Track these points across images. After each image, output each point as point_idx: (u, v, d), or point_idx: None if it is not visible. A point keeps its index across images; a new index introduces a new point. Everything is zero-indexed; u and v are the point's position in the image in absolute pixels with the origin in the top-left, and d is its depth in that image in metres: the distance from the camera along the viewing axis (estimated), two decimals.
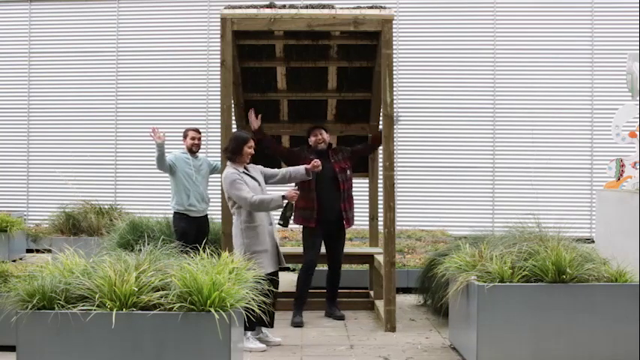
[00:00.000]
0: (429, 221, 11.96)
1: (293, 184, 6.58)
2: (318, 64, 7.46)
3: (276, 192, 5.78)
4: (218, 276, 4.13)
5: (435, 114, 12.68)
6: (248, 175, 5.78)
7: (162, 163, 6.95)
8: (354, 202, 6.85)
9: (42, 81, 13.37)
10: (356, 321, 6.76)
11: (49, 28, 13.40)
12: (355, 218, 6.93)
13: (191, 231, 6.96)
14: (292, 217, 5.96)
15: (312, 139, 6.78)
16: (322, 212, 6.58)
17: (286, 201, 5.65)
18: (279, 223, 5.84)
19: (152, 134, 6.88)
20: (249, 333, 5.63)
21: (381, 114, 7.10)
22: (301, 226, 6.80)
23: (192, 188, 7.05)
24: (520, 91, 12.62)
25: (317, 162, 6.03)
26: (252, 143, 5.84)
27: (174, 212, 7.10)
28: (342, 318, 6.80)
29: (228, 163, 5.84)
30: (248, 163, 5.87)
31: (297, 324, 6.51)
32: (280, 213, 5.74)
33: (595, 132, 12.50)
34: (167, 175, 7.23)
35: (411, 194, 12.28)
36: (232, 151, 5.77)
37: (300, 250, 8.53)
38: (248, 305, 4.18)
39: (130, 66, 13.21)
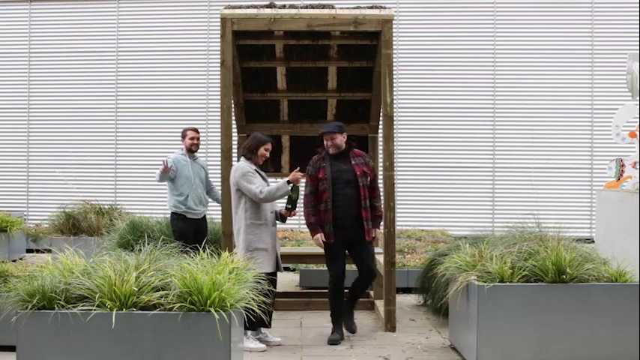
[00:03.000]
0: (429, 221, 11.96)
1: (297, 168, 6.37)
2: (318, 64, 7.46)
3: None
4: (218, 276, 4.13)
5: (435, 114, 12.68)
6: (258, 173, 5.83)
7: (163, 181, 7.04)
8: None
9: (42, 81, 13.37)
10: (356, 321, 6.76)
11: (49, 28, 13.40)
12: None
13: (189, 231, 6.96)
14: (299, 200, 5.90)
15: (325, 143, 6.10)
16: (338, 222, 5.92)
17: (292, 185, 5.70)
18: (286, 207, 5.86)
19: (163, 167, 6.88)
20: (249, 332, 5.63)
21: (381, 114, 7.09)
22: (303, 225, 6.65)
23: (191, 191, 7.04)
24: (520, 91, 12.62)
25: (298, 174, 5.73)
26: (269, 146, 5.89)
27: (172, 212, 7.10)
28: (353, 332, 6.23)
29: (242, 159, 5.88)
30: (260, 166, 5.91)
31: (333, 341, 5.90)
32: (286, 198, 5.78)
33: (595, 132, 12.50)
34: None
35: (411, 194, 12.27)
36: (249, 149, 5.84)
37: (300, 250, 8.56)
38: (248, 305, 4.18)
39: (130, 66, 13.21)
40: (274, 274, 5.88)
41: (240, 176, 5.71)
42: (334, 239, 5.92)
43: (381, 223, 6.26)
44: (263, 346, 5.69)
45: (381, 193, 6.37)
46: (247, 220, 5.71)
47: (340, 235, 5.93)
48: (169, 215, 7.20)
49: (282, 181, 5.72)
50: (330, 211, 5.89)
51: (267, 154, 5.90)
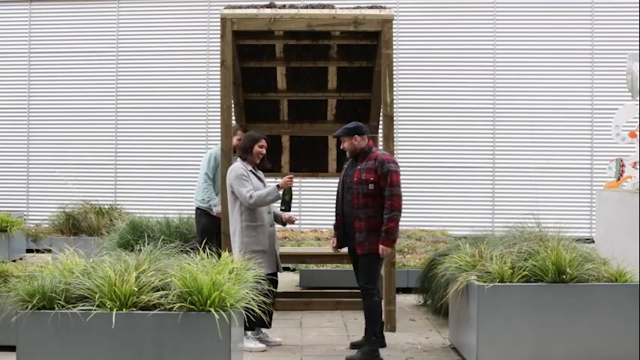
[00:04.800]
0: (429, 221, 11.96)
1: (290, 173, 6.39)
2: (318, 64, 7.46)
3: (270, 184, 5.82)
4: (218, 276, 4.13)
5: (435, 114, 12.68)
6: (255, 174, 5.79)
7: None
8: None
9: (42, 81, 13.37)
10: (356, 321, 6.76)
11: (49, 28, 13.40)
12: None
13: (212, 227, 6.81)
14: (292, 200, 5.78)
15: None
16: (345, 228, 5.64)
17: (282, 189, 5.65)
18: (281, 209, 5.77)
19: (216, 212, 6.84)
20: (249, 333, 5.63)
21: (381, 114, 7.09)
22: (304, 225, 6.55)
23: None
24: (520, 91, 12.62)
25: (288, 179, 5.65)
26: (263, 143, 5.83)
27: (197, 208, 6.96)
28: (360, 345, 5.62)
29: (238, 160, 5.86)
30: (258, 164, 5.87)
31: (352, 345, 5.77)
32: (280, 200, 5.71)
33: (595, 132, 12.50)
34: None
35: (411, 194, 12.24)
36: (243, 149, 5.80)
37: (300, 250, 8.56)
38: (248, 305, 4.18)
39: (130, 66, 13.21)
40: (274, 274, 5.87)
41: (233, 178, 5.68)
42: (346, 247, 5.72)
43: (390, 237, 5.43)
44: (263, 346, 5.69)
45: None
46: (243, 222, 5.68)
47: (349, 244, 5.65)
48: (194, 211, 7.03)
49: (272, 186, 5.67)
50: (339, 216, 5.68)
51: (264, 151, 5.84)
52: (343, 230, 5.66)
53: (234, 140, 6.90)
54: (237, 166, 5.76)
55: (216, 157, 6.93)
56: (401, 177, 5.58)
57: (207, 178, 6.92)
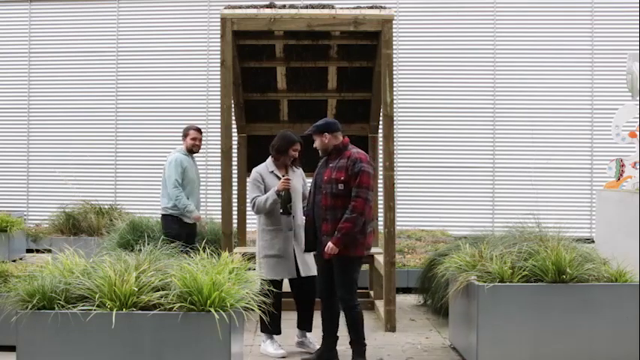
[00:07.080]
0: (429, 221, 11.95)
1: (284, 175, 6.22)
2: (318, 64, 7.46)
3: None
4: (218, 276, 4.13)
5: (435, 114, 12.68)
6: (276, 175, 5.68)
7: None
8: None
9: (42, 81, 13.37)
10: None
11: (49, 28, 13.40)
12: None
13: (182, 234, 6.63)
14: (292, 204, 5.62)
15: None
16: (313, 231, 5.27)
17: (281, 192, 5.53)
18: (280, 213, 5.60)
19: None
20: (264, 336, 5.63)
21: (381, 114, 7.10)
22: None
23: (192, 195, 6.81)
24: (520, 91, 12.62)
25: (285, 182, 5.48)
26: (297, 147, 5.74)
27: (167, 215, 6.76)
28: None
29: (269, 158, 5.79)
30: (290, 165, 5.80)
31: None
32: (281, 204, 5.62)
33: (595, 132, 12.50)
34: (160, 174, 7.01)
35: (411, 194, 12.27)
36: (277, 150, 5.73)
37: None
38: (248, 305, 4.17)
39: (130, 66, 13.21)
40: (292, 280, 5.69)
41: (249, 181, 5.73)
42: (315, 251, 5.33)
43: (341, 237, 5.00)
44: (283, 351, 5.57)
45: (380, 192, 5.63)
46: (260, 225, 5.70)
47: (320, 247, 5.21)
48: (160, 216, 6.89)
49: (271, 190, 5.58)
50: (309, 217, 5.35)
51: (296, 155, 5.76)
52: (314, 233, 5.27)
53: (188, 140, 6.82)
54: (255, 170, 5.75)
55: (182, 161, 6.75)
56: (372, 180, 5.16)
57: (177, 184, 6.70)
